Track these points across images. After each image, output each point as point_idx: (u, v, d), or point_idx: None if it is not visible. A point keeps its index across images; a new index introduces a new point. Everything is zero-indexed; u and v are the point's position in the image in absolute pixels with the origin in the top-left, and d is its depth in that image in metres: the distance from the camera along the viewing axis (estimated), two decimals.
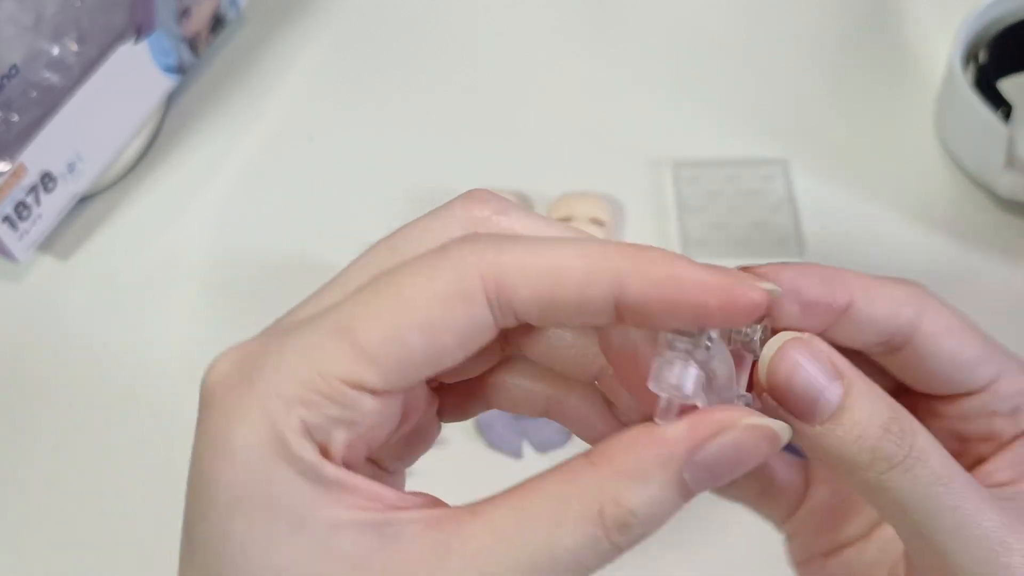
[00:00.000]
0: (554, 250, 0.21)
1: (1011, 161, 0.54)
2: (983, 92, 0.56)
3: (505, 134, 0.63)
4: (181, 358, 0.54)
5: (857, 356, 0.24)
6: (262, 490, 0.20)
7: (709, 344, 0.21)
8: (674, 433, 0.21)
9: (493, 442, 0.50)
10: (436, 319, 0.20)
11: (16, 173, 0.52)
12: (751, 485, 0.29)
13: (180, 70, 0.61)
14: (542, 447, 0.50)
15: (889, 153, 0.61)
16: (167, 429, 0.51)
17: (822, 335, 0.23)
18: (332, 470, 0.20)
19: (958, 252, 0.57)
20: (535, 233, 0.22)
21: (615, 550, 0.20)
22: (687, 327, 0.21)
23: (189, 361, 0.54)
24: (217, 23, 0.63)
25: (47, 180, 0.54)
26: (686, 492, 0.21)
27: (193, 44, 0.62)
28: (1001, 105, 0.55)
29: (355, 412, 0.20)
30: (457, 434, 0.51)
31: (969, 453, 0.25)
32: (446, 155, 0.62)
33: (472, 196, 0.23)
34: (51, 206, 0.55)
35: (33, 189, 0.54)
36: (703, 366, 0.21)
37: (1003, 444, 0.25)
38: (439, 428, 0.25)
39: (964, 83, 0.56)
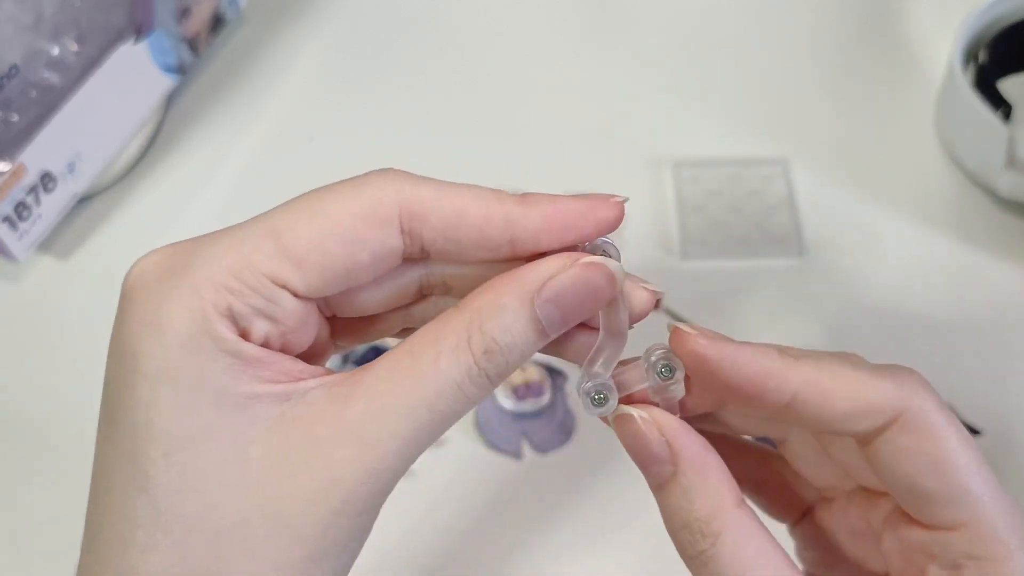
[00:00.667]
0: (460, 191, 0.24)
1: (1011, 161, 0.54)
2: (983, 92, 0.56)
3: (505, 134, 0.63)
4: None
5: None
6: (189, 363, 0.22)
7: None
8: (525, 272, 0.24)
9: (493, 442, 0.50)
10: (356, 235, 0.23)
11: (16, 173, 0.52)
12: (763, 486, 0.29)
13: (180, 70, 0.61)
14: (542, 447, 0.50)
15: (889, 153, 0.61)
16: None
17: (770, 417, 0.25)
18: (251, 348, 0.22)
19: (958, 252, 0.57)
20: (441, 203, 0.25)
21: (486, 378, 0.23)
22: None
23: None
24: (217, 23, 0.63)
25: (47, 180, 0.54)
26: (540, 328, 0.23)
27: (193, 44, 0.62)
28: (1001, 105, 0.55)
29: (276, 308, 0.23)
30: (457, 434, 0.51)
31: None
32: (446, 155, 0.62)
33: (387, 170, 0.26)
34: (51, 206, 0.55)
35: (33, 189, 0.54)
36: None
37: None
38: (332, 348, 0.27)
39: (964, 83, 0.56)
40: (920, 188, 0.59)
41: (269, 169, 0.62)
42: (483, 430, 0.50)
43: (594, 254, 0.25)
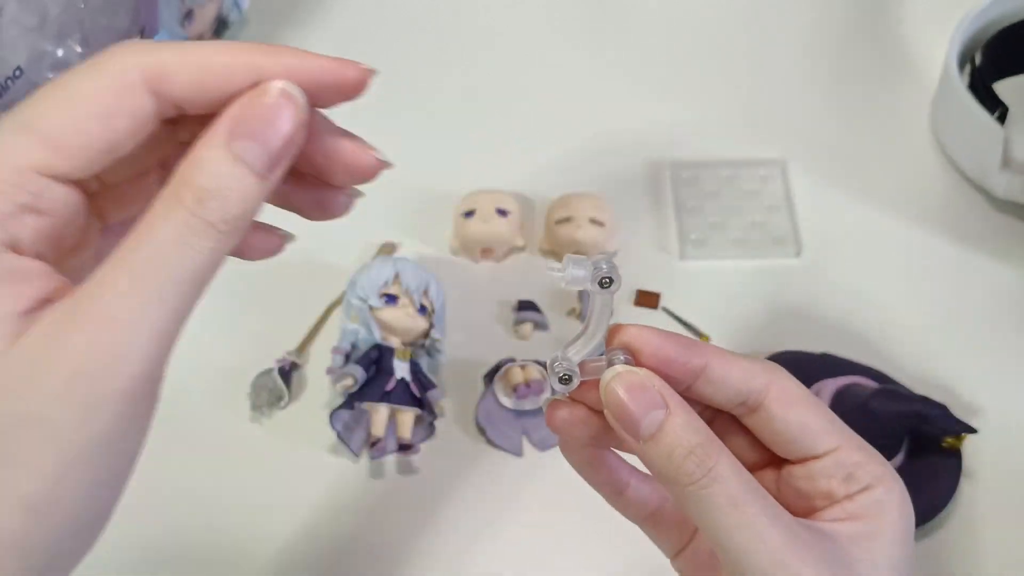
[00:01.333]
0: (201, 47, 0.25)
1: (1007, 162, 0.55)
2: (979, 94, 0.57)
3: (505, 135, 0.63)
4: (184, 356, 0.54)
5: (726, 417, 0.30)
6: None
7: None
8: (217, 120, 0.24)
9: (494, 440, 0.50)
10: (109, 107, 0.23)
11: None
12: (640, 506, 0.33)
13: None
14: (542, 444, 0.50)
15: (886, 154, 0.61)
16: (168, 427, 0.52)
17: (688, 390, 0.29)
18: (10, 261, 0.23)
19: (954, 251, 0.57)
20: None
21: (208, 226, 0.23)
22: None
23: (192, 359, 0.54)
24: (220, 25, 0.64)
25: None
26: (249, 167, 0.24)
27: None
28: (997, 107, 0.56)
29: (45, 200, 0.23)
30: (458, 431, 0.51)
31: (811, 507, 0.30)
32: (446, 156, 0.62)
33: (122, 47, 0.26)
34: None
35: None
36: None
37: (836, 501, 0.29)
38: (97, 232, 0.28)
39: (960, 85, 0.57)
40: (916, 188, 0.60)
41: None
42: (484, 428, 0.51)
43: (598, 277, 0.28)
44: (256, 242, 0.30)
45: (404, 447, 0.49)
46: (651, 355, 0.28)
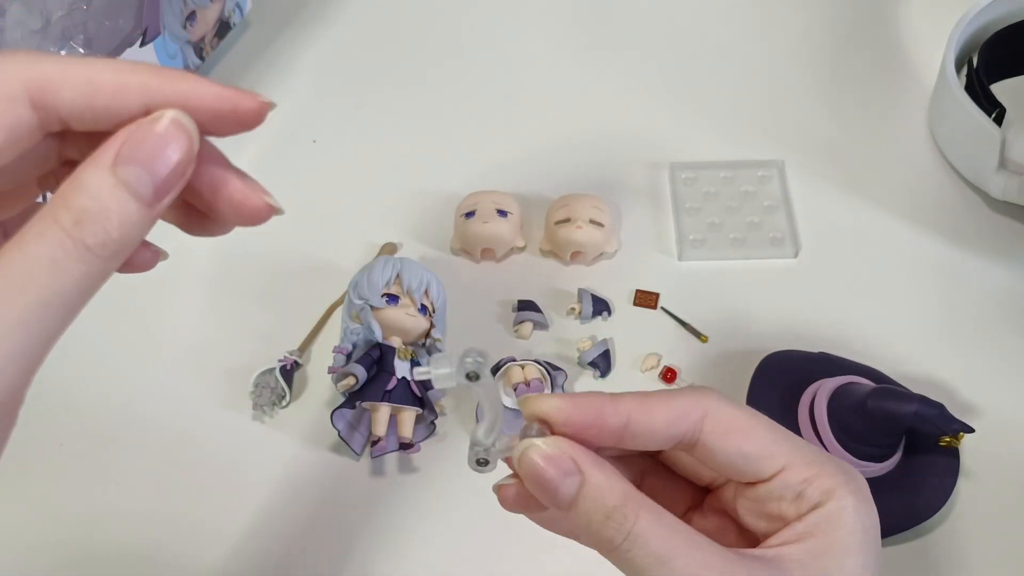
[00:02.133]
0: (91, 63, 0.24)
1: (1003, 163, 0.55)
2: (976, 95, 0.57)
3: (506, 136, 0.63)
4: (186, 356, 0.55)
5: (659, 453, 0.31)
6: None
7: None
8: (103, 144, 0.24)
9: None
10: None
11: None
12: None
13: None
14: None
15: (883, 155, 0.62)
16: (170, 427, 0.52)
17: (619, 444, 0.29)
18: None
19: (951, 252, 0.57)
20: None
21: (84, 249, 0.23)
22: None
23: (194, 359, 0.55)
24: (222, 27, 0.64)
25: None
26: (133, 191, 0.23)
27: (199, 48, 0.62)
28: (994, 108, 0.56)
29: None
30: (458, 430, 0.51)
31: (768, 529, 0.30)
32: (447, 158, 0.62)
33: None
34: None
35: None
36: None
37: (788, 522, 0.29)
38: None
39: (957, 86, 0.57)
40: (913, 189, 0.60)
41: (273, 171, 0.62)
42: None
43: (462, 372, 0.28)
44: (132, 256, 0.28)
45: (405, 446, 0.49)
46: (564, 423, 0.28)
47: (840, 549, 0.28)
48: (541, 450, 0.28)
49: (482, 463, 0.30)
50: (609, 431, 0.28)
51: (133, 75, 0.24)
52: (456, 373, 0.28)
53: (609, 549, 0.27)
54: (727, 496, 0.31)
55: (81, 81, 0.24)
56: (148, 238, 0.26)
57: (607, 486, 0.27)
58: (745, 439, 0.29)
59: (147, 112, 0.24)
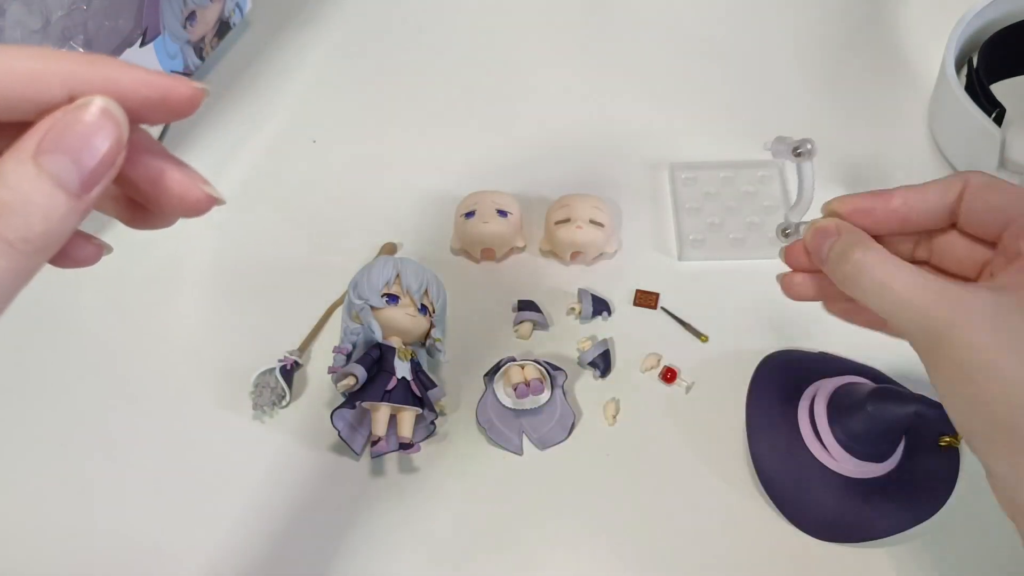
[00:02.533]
0: (11, 51, 0.23)
1: (1003, 163, 0.55)
2: (976, 95, 0.57)
3: (505, 136, 0.63)
4: (186, 356, 0.55)
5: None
6: None
7: None
8: (25, 134, 0.23)
9: (494, 439, 0.51)
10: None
11: None
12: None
13: (186, 73, 0.62)
14: (542, 443, 0.51)
15: (883, 155, 0.62)
16: (171, 427, 0.52)
17: (898, 231, 0.38)
18: None
19: None
20: None
21: (7, 244, 0.22)
22: None
23: (194, 359, 0.55)
24: (222, 28, 0.64)
25: None
26: (59, 182, 0.23)
27: (199, 48, 0.62)
28: (994, 108, 0.56)
29: None
30: (459, 430, 0.51)
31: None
32: (447, 157, 0.62)
33: None
34: None
35: None
36: None
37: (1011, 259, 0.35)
38: None
39: (957, 86, 0.57)
40: None
41: (273, 171, 0.63)
42: (484, 426, 0.51)
43: (790, 148, 0.40)
44: (70, 249, 0.27)
45: (405, 446, 0.49)
46: (850, 210, 0.37)
47: None
48: (818, 223, 0.38)
49: (786, 234, 0.41)
50: (889, 211, 0.37)
51: (54, 61, 0.23)
52: (788, 151, 0.39)
53: (838, 280, 0.36)
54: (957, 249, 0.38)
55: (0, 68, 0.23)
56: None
57: (848, 237, 0.36)
58: (995, 193, 0.35)
59: (71, 100, 0.23)
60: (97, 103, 0.23)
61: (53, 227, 0.22)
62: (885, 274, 0.34)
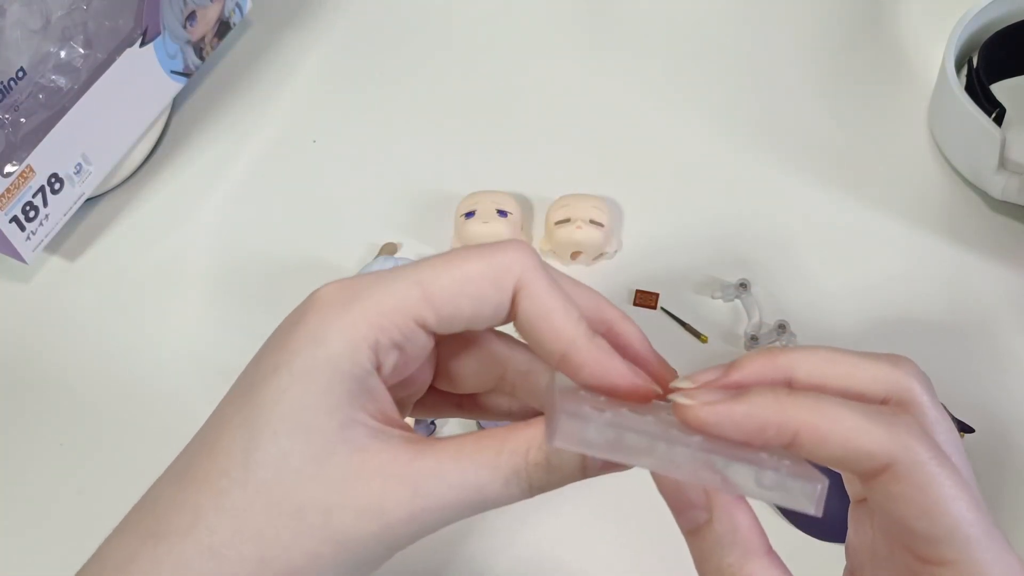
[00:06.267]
0: (559, 300, 0.28)
1: (1003, 163, 0.55)
2: (976, 95, 0.57)
3: (505, 137, 0.63)
4: (187, 357, 0.54)
5: None
6: (326, 376, 0.26)
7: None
8: None
9: None
10: (482, 292, 0.27)
11: (24, 175, 0.53)
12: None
13: (186, 73, 0.62)
14: None
15: (883, 156, 0.62)
16: (173, 427, 0.52)
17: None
18: (375, 382, 0.27)
19: (952, 252, 0.57)
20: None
21: (527, 485, 0.27)
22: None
23: (195, 360, 0.54)
24: (222, 27, 0.64)
25: (54, 181, 0.55)
26: (584, 466, 0.27)
27: (199, 48, 0.62)
28: (994, 108, 0.56)
29: (410, 344, 0.27)
30: (458, 431, 0.51)
31: None
32: (447, 158, 0.62)
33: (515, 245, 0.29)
34: (58, 207, 0.56)
35: (40, 190, 0.54)
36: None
37: None
38: (426, 382, 0.32)
39: (957, 86, 0.57)
40: (913, 190, 0.60)
41: (273, 171, 0.63)
42: (484, 427, 0.51)
43: None
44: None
45: None
46: (728, 433, 0.26)
47: None
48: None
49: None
50: (769, 447, 0.26)
51: (573, 331, 0.27)
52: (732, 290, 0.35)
53: None
54: (857, 519, 0.29)
55: (540, 308, 0.27)
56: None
57: (730, 541, 0.26)
58: (931, 515, 0.24)
59: (564, 367, 0.28)
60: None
61: (558, 487, 0.28)
62: None
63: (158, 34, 0.58)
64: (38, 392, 0.54)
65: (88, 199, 0.59)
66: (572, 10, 0.70)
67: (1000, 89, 0.61)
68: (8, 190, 0.52)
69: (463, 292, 0.27)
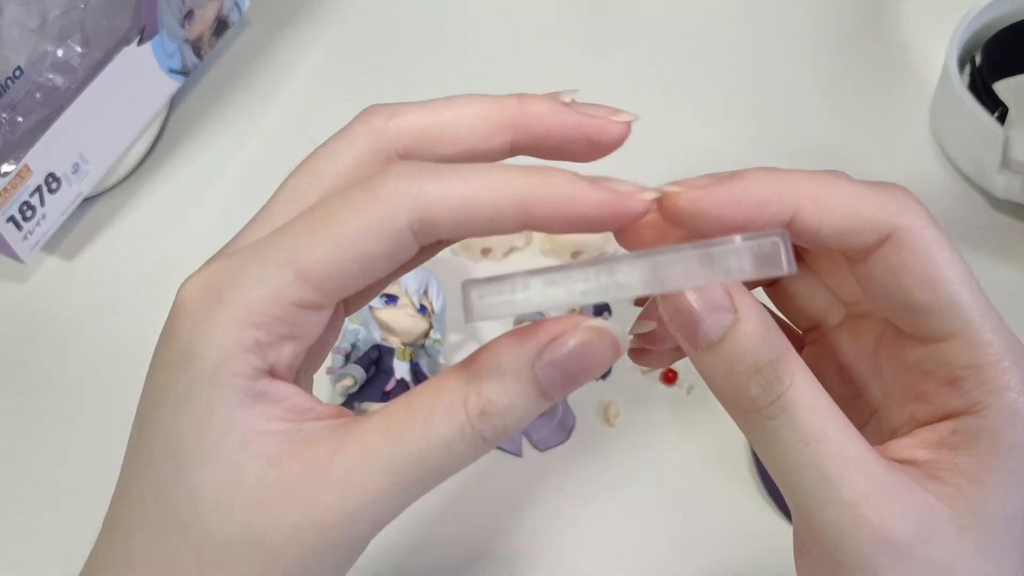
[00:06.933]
0: (467, 179, 0.23)
1: (1006, 162, 0.55)
2: (979, 94, 0.56)
3: None
4: None
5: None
6: (209, 395, 0.23)
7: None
8: (527, 333, 0.24)
9: None
10: (369, 251, 0.23)
11: (21, 174, 0.53)
12: None
13: (184, 72, 0.62)
14: (542, 444, 0.50)
15: (885, 155, 0.61)
16: None
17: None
18: (266, 385, 0.24)
19: None
20: (429, 117, 0.25)
21: (480, 439, 0.23)
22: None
23: None
24: (220, 25, 0.64)
25: (51, 181, 0.55)
26: (541, 390, 0.23)
27: (197, 46, 0.62)
28: (996, 107, 0.56)
29: (301, 328, 0.24)
30: None
31: (886, 397, 0.26)
32: None
33: (368, 110, 0.26)
34: (55, 207, 0.56)
35: (38, 190, 0.54)
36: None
37: (931, 407, 0.24)
38: (341, 327, 0.29)
39: (960, 85, 0.57)
40: (916, 189, 0.58)
41: (272, 170, 0.62)
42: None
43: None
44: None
45: None
46: (726, 219, 0.24)
47: (996, 480, 0.23)
48: (677, 300, 0.24)
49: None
50: (769, 226, 0.24)
51: (510, 188, 0.23)
52: None
53: (747, 409, 0.23)
54: (842, 342, 0.27)
55: (461, 205, 0.23)
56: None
57: (764, 335, 0.23)
58: (934, 282, 0.24)
59: (522, 225, 0.24)
60: (612, 337, 0.23)
61: (519, 426, 0.24)
62: (816, 427, 0.23)
63: (156, 33, 0.58)
64: (34, 392, 0.54)
65: (85, 199, 0.59)
66: (573, 11, 0.70)
67: (1003, 88, 0.60)
68: (5, 190, 0.52)
69: (345, 257, 0.23)
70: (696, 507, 0.48)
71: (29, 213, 0.54)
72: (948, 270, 0.24)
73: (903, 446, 0.25)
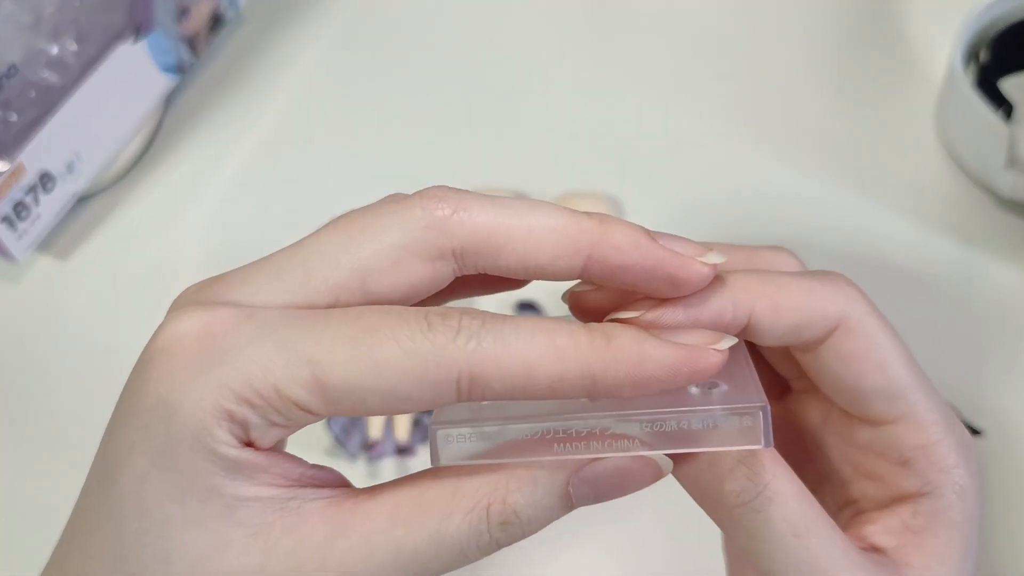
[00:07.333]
0: (530, 343, 0.21)
1: (1012, 161, 0.54)
2: (984, 92, 0.56)
3: (504, 133, 0.63)
4: None
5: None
6: (188, 457, 0.21)
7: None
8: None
9: None
10: (401, 392, 0.21)
11: (15, 173, 0.52)
12: None
13: (179, 70, 0.61)
14: None
15: (890, 153, 0.61)
16: None
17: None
18: (251, 456, 0.21)
19: (959, 252, 0.57)
20: (499, 222, 0.23)
21: (494, 544, 0.22)
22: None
23: None
24: (216, 22, 0.64)
25: (46, 180, 0.54)
26: (568, 503, 0.22)
27: (192, 44, 0.62)
28: (1002, 105, 0.55)
29: (295, 424, 0.22)
30: None
31: (852, 479, 0.26)
32: (445, 155, 0.62)
33: (433, 194, 0.24)
34: (50, 206, 0.55)
35: (32, 189, 0.54)
36: None
37: (894, 498, 0.25)
38: None
39: (965, 83, 0.56)
40: (921, 188, 0.59)
41: (268, 169, 0.62)
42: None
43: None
44: None
45: (402, 450, 0.48)
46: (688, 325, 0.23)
47: (958, 555, 0.24)
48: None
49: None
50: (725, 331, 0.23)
51: (572, 357, 0.21)
52: None
53: (733, 505, 0.23)
54: (809, 412, 0.27)
55: (518, 374, 0.21)
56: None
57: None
58: (881, 368, 0.24)
59: (584, 394, 0.21)
60: (653, 461, 0.22)
61: (538, 531, 0.22)
62: (804, 517, 0.23)
63: (151, 30, 0.58)
64: (29, 392, 0.53)
65: (80, 198, 0.58)
66: (575, 8, 0.70)
67: (1009, 86, 0.60)
68: None
69: (374, 388, 0.20)
70: (697, 506, 0.48)
71: (23, 212, 0.54)
72: (894, 354, 0.24)
73: (869, 533, 0.25)
